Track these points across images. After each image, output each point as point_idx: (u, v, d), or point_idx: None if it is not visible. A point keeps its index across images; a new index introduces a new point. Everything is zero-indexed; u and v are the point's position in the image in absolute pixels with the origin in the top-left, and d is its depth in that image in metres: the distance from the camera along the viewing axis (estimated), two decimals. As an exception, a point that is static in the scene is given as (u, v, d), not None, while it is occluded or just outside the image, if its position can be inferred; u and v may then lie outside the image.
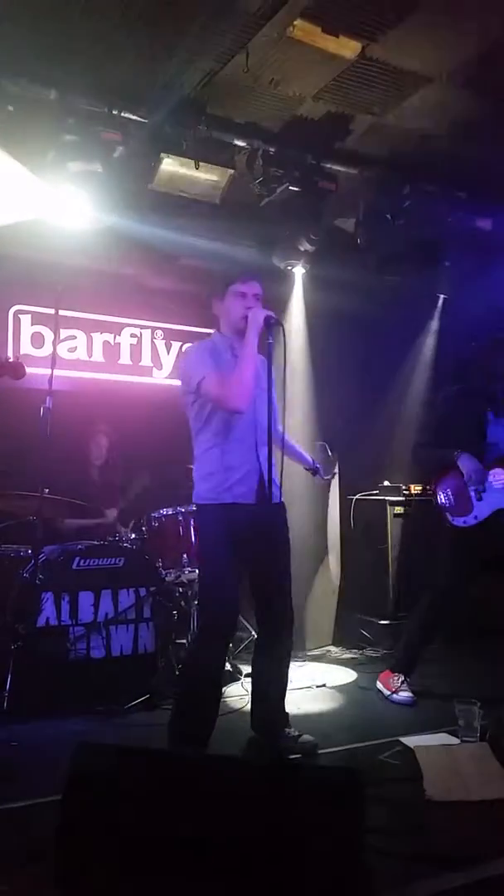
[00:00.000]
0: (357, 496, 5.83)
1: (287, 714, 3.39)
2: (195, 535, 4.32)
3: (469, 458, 3.90)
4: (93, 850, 2.01)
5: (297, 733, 3.31)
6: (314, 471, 3.69)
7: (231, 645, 4.65)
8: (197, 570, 4.18)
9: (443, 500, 4.03)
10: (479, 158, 4.70)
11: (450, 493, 4.00)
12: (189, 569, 4.39)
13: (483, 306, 5.47)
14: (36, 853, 2.25)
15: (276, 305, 6.04)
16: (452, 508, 3.98)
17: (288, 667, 3.42)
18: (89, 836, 2.03)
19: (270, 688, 3.31)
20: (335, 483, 5.72)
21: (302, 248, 4.97)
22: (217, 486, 3.19)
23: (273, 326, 3.13)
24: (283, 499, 3.35)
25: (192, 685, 3.20)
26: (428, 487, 5.40)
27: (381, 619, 5.40)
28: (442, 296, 6.24)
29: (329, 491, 5.71)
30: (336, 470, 3.75)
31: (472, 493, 3.92)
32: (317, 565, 5.57)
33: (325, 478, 3.75)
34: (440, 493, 4.05)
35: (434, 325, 6.31)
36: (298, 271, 5.63)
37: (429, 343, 6.31)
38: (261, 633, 3.43)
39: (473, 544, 3.95)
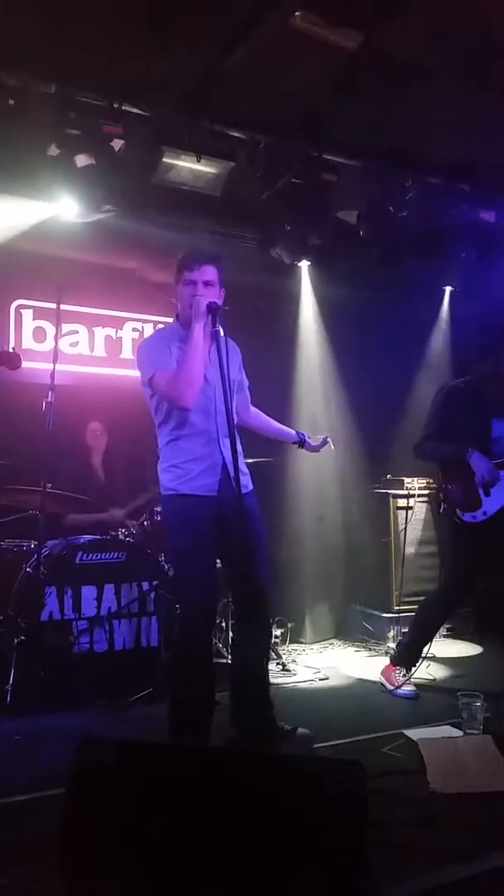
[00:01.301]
0: (361, 489, 5.83)
1: (272, 705, 3.27)
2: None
3: (481, 458, 3.86)
4: (97, 842, 2.02)
5: (290, 727, 3.26)
6: (300, 443, 3.62)
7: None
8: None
9: (452, 496, 4.00)
10: (482, 150, 4.68)
11: (458, 488, 3.98)
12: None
13: (490, 298, 5.45)
14: (38, 846, 2.25)
15: (281, 300, 6.05)
16: (461, 504, 3.96)
17: (266, 657, 3.33)
18: (93, 829, 2.03)
19: (248, 679, 3.25)
20: (337, 474, 5.72)
21: (311, 243, 4.94)
22: (178, 478, 3.14)
23: (218, 312, 3.04)
24: (251, 487, 3.29)
25: (181, 678, 3.15)
26: (433, 482, 5.40)
27: (384, 612, 5.40)
28: (448, 288, 6.22)
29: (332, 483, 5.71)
30: (330, 444, 3.67)
31: (480, 489, 3.90)
32: (319, 557, 5.57)
33: (314, 446, 3.66)
34: (449, 488, 4.02)
35: (440, 317, 6.30)
36: (304, 264, 5.62)
37: (434, 335, 6.30)
38: (236, 623, 3.37)
39: (480, 540, 3.94)
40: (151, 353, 3.19)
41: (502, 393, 3.98)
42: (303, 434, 3.64)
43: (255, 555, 3.15)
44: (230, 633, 4.70)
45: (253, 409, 3.55)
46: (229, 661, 4.39)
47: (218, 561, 3.28)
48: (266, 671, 3.35)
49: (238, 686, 3.30)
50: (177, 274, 3.22)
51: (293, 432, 3.63)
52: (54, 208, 4.56)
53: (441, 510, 4.12)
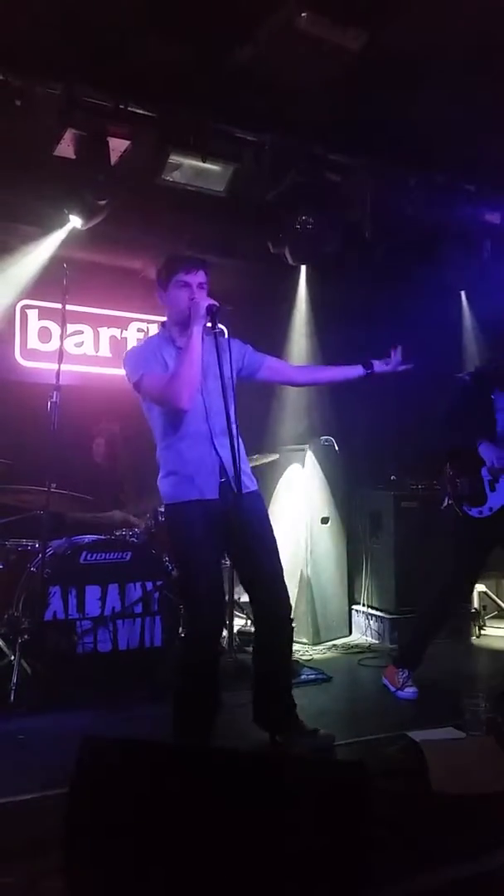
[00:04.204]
0: (365, 490, 5.83)
1: (295, 705, 3.31)
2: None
3: (490, 446, 3.86)
4: (99, 842, 2.02)
5: (313, 728, 3.27)
6: (370, 372, 3.39)
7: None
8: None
9: (458, 490, 3.99)
10: (487, 151, 4.68)
11: (465, 482, 3.97)
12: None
13: (495, 298, 5.45)
14: (40, 846, 2.25)
15: (284, 299, 6.05)
16: (468, 498, 3.95)
17: (289, 656, 3.33)
18: (96, 829, 2.03)
19: (271, 679, 3.26)
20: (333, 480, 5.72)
21: (319, 246, 4.94)
22: (177, 485, 3.12)
23: (217, 314, 3.03)
24: (255, 487, 3.26)
25: (186, 681, 3.16)
26: (436, 482, 5.38)
27: (387, 613, 5.40)
28: (462, 292, 6.20)
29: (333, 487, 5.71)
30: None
31: (486, 484, 3.89)
32: (322, 558, 5.57)
33: (386, 367, 3.39)
34: (456, 482, 4.01)
35: (447, 319, 6.28)
36: (304, 266, 5.63)
37: (440, 338, 6.28)
38: (255, 624, 3.35)
39: (485, 536, 3.93)
40: (137, 358, 3.19)
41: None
42: (370, 361, 3.40)
43: (264, 555, 3.16)
44: (234, 631, 4.71)
45: (295, 367, 3.40)
46: (230, 659, 4.43)
47: (227, 562, 3.26)
48: (289, 670, 3.35)
49: (261, 684, 3.30)
50: (166, 277, 3.18)
51: (357, 367, 3.40)
52: (59, 208, 4.57)
53: (444, 506, 4.10)
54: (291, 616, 3.33)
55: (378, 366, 3.39)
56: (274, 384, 3.34)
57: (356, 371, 3.41)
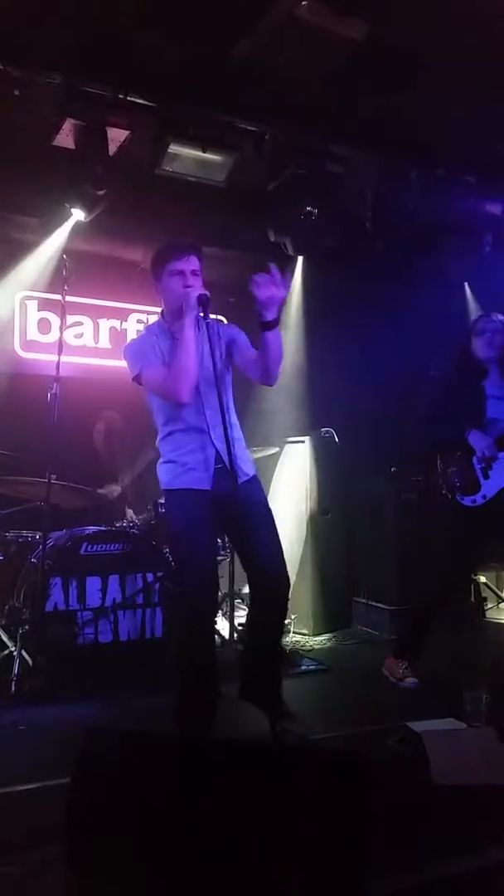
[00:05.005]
0: (365, 482, 5.83)
1: (280, 682, 3.31)
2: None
3: (479, 435, 3.87)
4: (101, 832, 2.03)
5: (292, 710, 3.28)
6: (267, 321, 3.00)
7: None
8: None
9: (452, 480, 3.99)
10: (488, 142, 4.67)
11: (457, 472, 3.97)
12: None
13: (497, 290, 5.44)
14: (42, 836, 2.26)
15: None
16: (461, 488, 3.95)
17: (282, 630, 3.33)
18: (97, 819, 2.04)
19: (263, 652, 3.27)
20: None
21: (322, 237, 4.93)
22: (173, 471, 3.17)
23: (209, 304, 3.01)
24: (253, 472, 3.27)
25: (184, 668, 3.18)
26: (422, 477, 5.38)
27: (386, 605, 5.40)
28: (466, 283, 6.19)
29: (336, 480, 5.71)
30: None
31: (479, 472, 3.89)
32: (323, 550, 5.57)
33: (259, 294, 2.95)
34: (449, 472, 4.01)
35: (447, 310, 6.28)
36: (301, 258, 5.61)
37: (438, 327, 6.27)
38: (252, 598, 3.34)
39: (479, 526, 3.93)
40: (136, 351, 3.20)
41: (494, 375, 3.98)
42: (260, 317, 3.02)
43: (263, 534, 3.17)
44: (235, 622, 4.72)
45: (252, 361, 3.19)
46: (231, 650, 4.43)
47: (226, 555, 3.27)
48: (281, 644, 3.36)
49: (253, 657, 3.31)
50: (158, 266, 3.16)
51: (261, 332, 3.06)
52: (58, 199, 4.55)
53: (439, 498, 4.09)
54: (289, 594, 3.34)
55: (265, 313, 2.97)
56: (244, 374, 3.29)
57: (263, 334, 3.03)
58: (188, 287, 3.06)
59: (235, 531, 3.24)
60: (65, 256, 4.37)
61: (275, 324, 3.03)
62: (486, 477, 3.88)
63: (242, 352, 3.26)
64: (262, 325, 3.02)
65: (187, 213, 5.02)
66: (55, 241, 5.13)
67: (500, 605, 5.80)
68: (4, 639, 4.05)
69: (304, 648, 5.00)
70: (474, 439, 3.87)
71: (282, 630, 3.35)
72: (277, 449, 5.40)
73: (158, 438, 3.25)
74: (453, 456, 3.97)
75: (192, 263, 3.12)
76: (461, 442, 3.90)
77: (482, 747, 2.95)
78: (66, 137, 4.18)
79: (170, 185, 4.62)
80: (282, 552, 3.24)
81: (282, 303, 3.05)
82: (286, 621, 5.23)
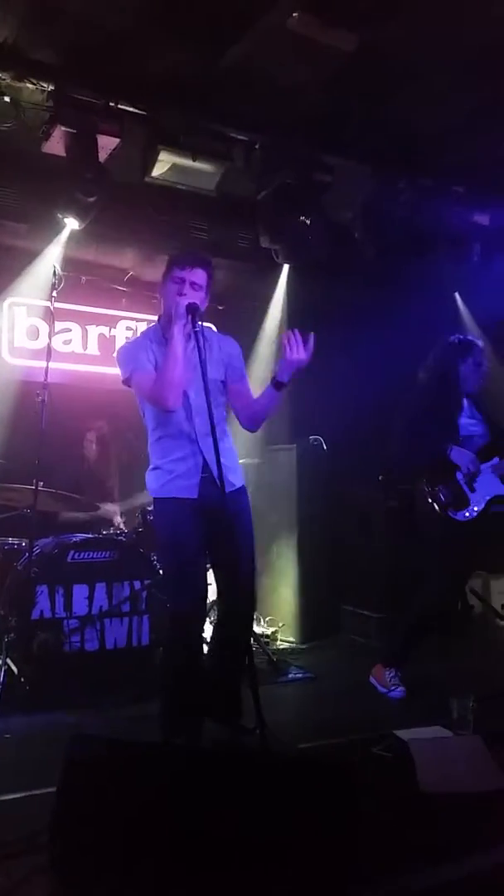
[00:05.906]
0: (352, 490, 5.83)
1: (241, 700, 3.24)
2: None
3: (461, 451, 3.90)
4: (87, 840, 2.02)
5: (252, 726, 3.10)
6: (279, 382, 3.12)
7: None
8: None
9: (443, 498, 4.01)
10: (476, 152, 4.70)
11: (445, 489, 3.99)
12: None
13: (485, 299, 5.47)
14: (30, 843, 2.24)
15: (271, 299, 6.05)
16: (452, 504, 3.97)
17: (244, 657, 3.11)
18: (84, 827, 2.03)
19: (232, 672, 3.27)
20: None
21: (310, 245, 4.94)
22: (160, 479, 3.17)
23: (197, 313, 3.02)
24: (241, 483, 3.26)
25: (172, 677, 3.17)
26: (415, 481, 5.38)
27: (374, 612, 5.40)
28: (456, 293, 6.22)
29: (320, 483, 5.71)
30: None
31: (465, 486, 3.92)
32: (310, 557, 5.57)
33: (288, 362, 3.07)
34: (438, 490, 4.02)
35: (438, 318, 6.30)
36: (287, 266, 5.62)
37: (427, 336, 6.30)
38: (220, 615, 3.34)
39: (472, 537, 3.95)
40: (128, 354, 3.19)
41: (466, 391, 4.01)
42: (275, 375, 3.14)
43: (241, 555, 3.15)
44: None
45: (246, 407, 3.31)
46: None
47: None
48: (241, 671, 3.23)
49: (223, 677, 3.28)
50: (166, 270, 3.19)
51: (268, 386, 3.17)
52: (48, 206, 4.55)
53: (427, 507, 4.10)
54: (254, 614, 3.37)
55: (280, 373, 3.11)
56: (232, 407, 3.35)
57: (270, 389, 3.17)
58: (181, 296, 3.06)
59: (216, 541, 3.17)
60: (54, 263, 4.36)
61: (285, 385, 3.14)
62: (472, 490, 3.91)
63: (237, 384, 3.29)
64: (275, 383, 3.13)
65: (177, 220, 5.03)
66: (47, 249, 5.11)
67: (488, 612, 5.82)
68: (-10, 646, 4.03)
69: (291, 656, 4.99)
70: (457, 456, 3.91)
71: (248, 644, 3.24)
72: (263, 458, 5.40)
73: (150, 443, 3.25)
74: (438, 474, 3.99)
75: (196, 275, 3.11)
76: (442, 459, 3.92)
77: (469, 755, 2.96)
78: (56, 144, 4.18)
79: (160, 192, 4.63)
80: (255, 569, 3.28)
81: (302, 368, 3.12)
82: (273, 629, 5.28)
